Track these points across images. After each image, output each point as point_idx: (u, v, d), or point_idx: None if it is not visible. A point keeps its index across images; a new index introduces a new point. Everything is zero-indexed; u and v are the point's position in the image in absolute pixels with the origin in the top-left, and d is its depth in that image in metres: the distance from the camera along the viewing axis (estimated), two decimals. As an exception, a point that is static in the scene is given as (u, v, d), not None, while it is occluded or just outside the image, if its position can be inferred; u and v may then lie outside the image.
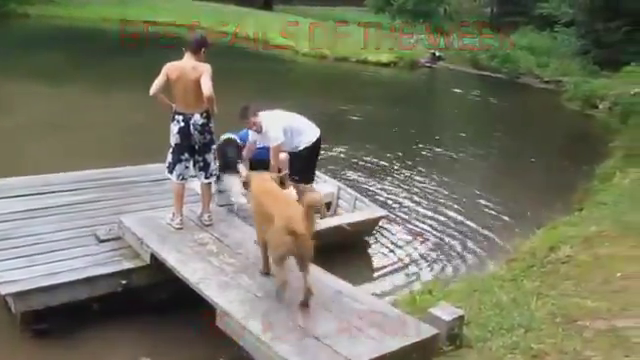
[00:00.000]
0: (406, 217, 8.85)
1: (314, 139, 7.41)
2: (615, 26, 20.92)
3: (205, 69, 5.75)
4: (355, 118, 14.94)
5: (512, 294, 5.56)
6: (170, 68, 5.82)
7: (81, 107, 13.08)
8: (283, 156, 7.40)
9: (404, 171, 11.09)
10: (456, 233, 8.50)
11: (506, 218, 9.16)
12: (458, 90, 21.84)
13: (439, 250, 7.93)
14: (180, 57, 5.89)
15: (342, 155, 11.49)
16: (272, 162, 7.20)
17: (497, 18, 34.34)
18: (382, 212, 7.85)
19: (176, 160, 6.00)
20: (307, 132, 7.39)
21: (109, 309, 5.54)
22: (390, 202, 9.37)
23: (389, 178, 10.63)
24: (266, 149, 7.97)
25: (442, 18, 35.01)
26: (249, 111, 7.06)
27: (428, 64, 23.83)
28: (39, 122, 11.52)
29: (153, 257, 5.55)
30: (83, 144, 10.33)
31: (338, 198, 8.14)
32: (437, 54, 24.55)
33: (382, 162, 11.42)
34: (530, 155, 12.86)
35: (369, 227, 7.73)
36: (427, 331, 4.41)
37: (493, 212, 9.39)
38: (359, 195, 8.10)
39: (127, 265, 5.68)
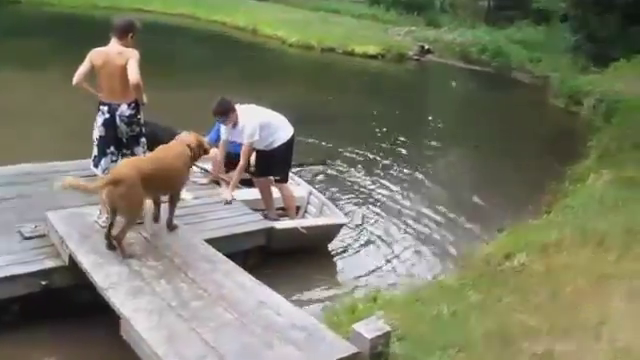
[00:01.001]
0: (372, 217, 8.53)
1: (288, 136, 7.11)
2: (608, 20, 20.35)
3: (132, 55, 5.33)
4: (335, 110, 14.50)
5: (455, 306, 5.16)
6: (94, 54, 5.41)
7: (51, 95, 12.55)
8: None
9: (374, 167, 10.71)
10: (418, 235, 8.15)
11: (472, 219, 8.73)
12: (443, 84, 21.47)
13: (399, 254, 7.54)
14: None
15: (319, 146, 11.17)
16: (242, 161, 6.92)
17: (494, 12, 33.77)
18: (343, 219, 7.48)
19: (102, 154, 5.59)
20: (281, 129, 7.09)
21: (31, 310, 5.15)
22: (360, 198, 9.10)
23: (360, 173, 10.29)
24: (234, 144, 7.62)
25: (437, 11, 34.53)
26: (228, 105, 6.77)
27: (416, 57, 23.35)
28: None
29: (71, 258, 5.13)
30: (41, 135, 9.86)
31: (308, 203, 7.83)
32: (426, 47, 24.02)
33: (356, 155, 11.07)
34: (506, 153, 12.42)
35: (329, 233, 7.34)
36: (344, 350, 4.01)
37: (459, 212, 8.96)
38: (327, 201, 7.76)
39: (48, 264, 5.23)
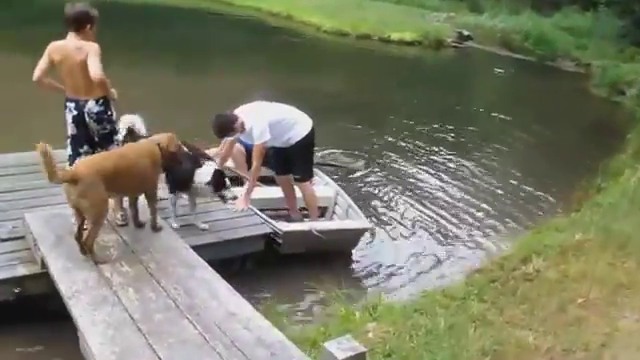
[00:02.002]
0: (399, 210, 8.26)
1: (307, 131, 6.74)
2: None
3: (91, 49, 4.96)
4: (369, 99, 14.14)
5: (453, 318, 4.77)
6: (52, 48, 5.08)
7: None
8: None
9: (410, 157, 10.47)
10: (442, 232, 7.77)
11: (501, 217, 8.35)
12: (482, 72, 20.79)
13: (416, 254, 7.16)
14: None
15: (354, 135, 10.96)
16: (255, 162, 6.56)
17: (540, -3, 32.63)
18: (366, 224, 6.88)
19: (75, 154, 5.29)
20: (299, 124, 6.73)
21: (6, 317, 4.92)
22: (390, 190, 8.88)
23: (394, 163, 10.05)
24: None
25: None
26: (226, 120, 6.43)
27: (455, 44, 22.63)
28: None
29: (43, 262, 4.89)
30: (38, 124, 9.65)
31: (335, 204, 7.39)
32: (465, 33, 23.24)
33: (391, 145, 10.85)
34: (543, 145, 11.87)
35: (350, 238, 6.86)
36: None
37: (489, 209, 8.58)
38: (353, 203, 7.23)
39: (22, 271, 4.99)
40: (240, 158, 7.52)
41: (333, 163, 9.29)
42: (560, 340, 4.19)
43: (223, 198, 5.97)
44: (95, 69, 4.85)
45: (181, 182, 5.90)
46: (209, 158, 7.50)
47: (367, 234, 7.01)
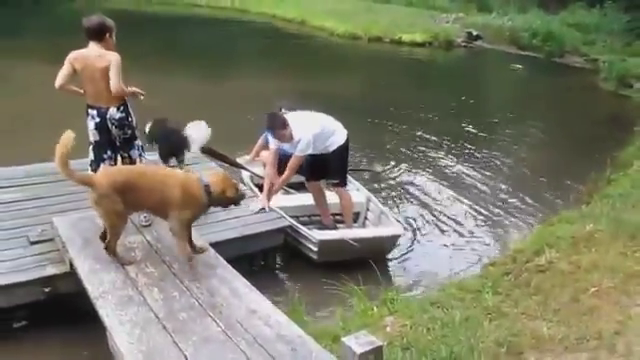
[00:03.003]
0: (414, 209, 8.20)
1: (344, 139, 6.71)
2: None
3: (112, 59, 5.02)
4: (381, 100, 14.07)
5: (468, 311, 4.73)
6: (73, 57, 5.16)
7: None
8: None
9: (417, 158, 10.29)
10: (457, 228, 7.73)
11: (513, 211, 8.33)
12: (492, 70, 20.65)
13: (430, 250, 7.14)
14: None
15: (371, 138, 10.86)
16: (288, 172, 6.49)
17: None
18: (399, 230, 6.71)
19: (99, 159, 5.35)
20: (337, 133, 6.69)
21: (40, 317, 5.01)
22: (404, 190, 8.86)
23: (404, 164, 9.94)
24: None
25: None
26: (279, 121, 6.37)
27: (464, 43, 22.49)
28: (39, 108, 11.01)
29: (71, 263, 4.92)
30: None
31: (367, 209, 7.26)
32: (474, 33, 23.09)
33: (402, 147, 10.74)
34: (553, 139, 11.77)
35: (384, 244, 6.66)
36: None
37: (503, 204, 8.56)
38: (385, 209, 7.15)
39: (51, 271, 5.05)
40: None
41: (355, 168, 9.04)
42: (574, 329, 4.13)
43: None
44: (115, 82, 4.90)
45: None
46: (240, 166, 7.52)
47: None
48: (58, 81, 5.08)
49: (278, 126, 6.35)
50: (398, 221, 7.14)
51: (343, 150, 6.74)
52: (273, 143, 6.63)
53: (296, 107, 7.08)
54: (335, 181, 6.82)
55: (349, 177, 7.48)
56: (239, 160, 7.74)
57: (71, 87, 5.22)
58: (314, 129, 6.44)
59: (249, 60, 18.53)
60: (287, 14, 26.28)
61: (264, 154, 7.49)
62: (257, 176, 7.49)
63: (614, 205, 6.96)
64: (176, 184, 4.67)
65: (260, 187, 7.05)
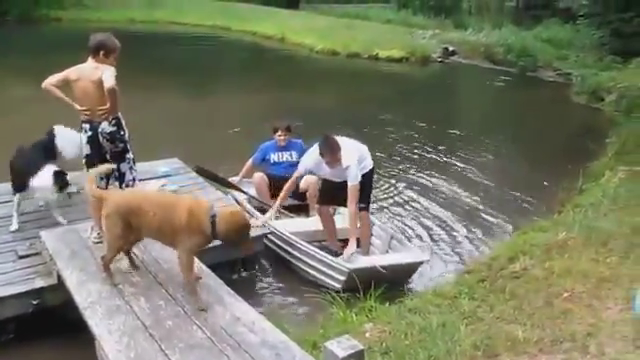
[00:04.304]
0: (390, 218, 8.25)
1: (372, 164, 6.70)
2: (629, 17, 19.60)
3: (107, 68, 5.10)
4: (358, 115, 14.17)
5: (445, 316, 4.82)
6: (72, 68, 5.26)
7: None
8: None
9: (394, 170, 10.38)
10: (431, 237, 7.76)
11: (486, 221, 8.37)
12: (466, 85, 20.94)
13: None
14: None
15: None
16: (353, 201, 6.20)
17: (521, 12, 32.92)
18: (425, 256, 6.42)
19: None
20: (367, 157, 6.64)
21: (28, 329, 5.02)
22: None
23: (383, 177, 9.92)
24: (288, 165, 7.37)
25: (464, 13, 33.86)
26: (335, 145, 6.13)
27: (440, 59, 22.78)
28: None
29: (59, 275, 4.96)
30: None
31: (371, 235, 6.94)
32: (450, 49, 23.42)
33: (380, 160, 10.61)
34: (527, 151, 11.92)
35: (408, 271, 6.34)
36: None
37: (476, 214, 8.61)
38: (395, 233, 6.95)
39: (39, 284, 5.09)
40: (264, 187, 7.39)
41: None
42: (548, 332, 4.24)
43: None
44: (108, 80, 4.94)
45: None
46: (235, 188, 7.47)
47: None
48: (47, 80, 5.15)
49: (335, 149, 6.13)
50: (419, 246, 7.03)
51: (371, 175, 6.67)
52: (308, 165, 6.48)
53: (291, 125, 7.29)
54: (363, 205, 6.51)
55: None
56: (231, 181, 7.62)
57: (57, 91, 5.24)
58: (355, 154, 6.35)
59: (232, 76, 18.64)
60: (268, 31, 26.45)
61: (256, 176, 7.49)
62: (253, 198, 7.43)
63: (586, 214, 7.09)
64: (183, 208, 4.44)
65: (258, 209, 7.06)
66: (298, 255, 6.43)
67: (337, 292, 5.69)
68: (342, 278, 5.96)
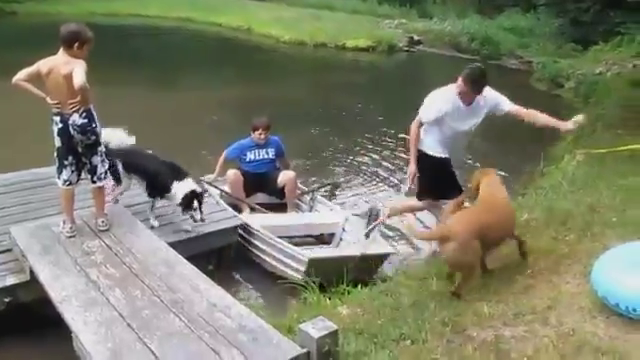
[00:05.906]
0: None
1: None
2: (586, 6, 20.04)
3: (78, 64, 5.04)
4: (326, 105, 14.29)
5: (415, 296, 4.96)
6: (43, 61, 5.18)
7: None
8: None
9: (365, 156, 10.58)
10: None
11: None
12: (431, 73, 21.15)
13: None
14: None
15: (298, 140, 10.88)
16: None
17: (484, 2, 33.20)
18: (389, 249, 6.49)
19: (61, 165, 5.40)
20: None
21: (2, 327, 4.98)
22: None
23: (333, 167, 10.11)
24: (264, 163, 7.50)
25: (429, 3, 34.10)
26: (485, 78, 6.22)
27: (406, 48, 23.00)
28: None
29: (32, 271, 4.97)
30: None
31: (343, 230, 6.98)
32: (415, 38, 23.66)
33: (349, 152, 10.91)
34: (489, 136, 12.08)
35: (376, 263, 6.35)
36: (291, 351, 3.82)
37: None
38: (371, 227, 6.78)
39: (11, 281, 5.09)
40: (238, 184, 7.40)
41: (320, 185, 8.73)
42: (511, 307, 4.41)
43: (192, 218, 6.04)
44: (78, 77, 4.90)
45: (160, 189, 6.03)
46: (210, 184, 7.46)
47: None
48: (17, 75, 5.09)
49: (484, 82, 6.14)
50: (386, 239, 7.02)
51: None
52: (438, 111, 6.44)
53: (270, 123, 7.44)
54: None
55: (319, 198, 7.67)
56: (203, 179, 7.54)
57: (27, 84, 5.16)
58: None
59: (199, 69, 18.51)
60: (233, 22, 26.37)
61: (230, 173, 7.50)
62: (226, 194, 7.43)
63: (547, 195, 7.32)
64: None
65: (231, 205, 7.09)
66: (264, 247, 6.49)
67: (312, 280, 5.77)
68: (302, 268, 5.98)
